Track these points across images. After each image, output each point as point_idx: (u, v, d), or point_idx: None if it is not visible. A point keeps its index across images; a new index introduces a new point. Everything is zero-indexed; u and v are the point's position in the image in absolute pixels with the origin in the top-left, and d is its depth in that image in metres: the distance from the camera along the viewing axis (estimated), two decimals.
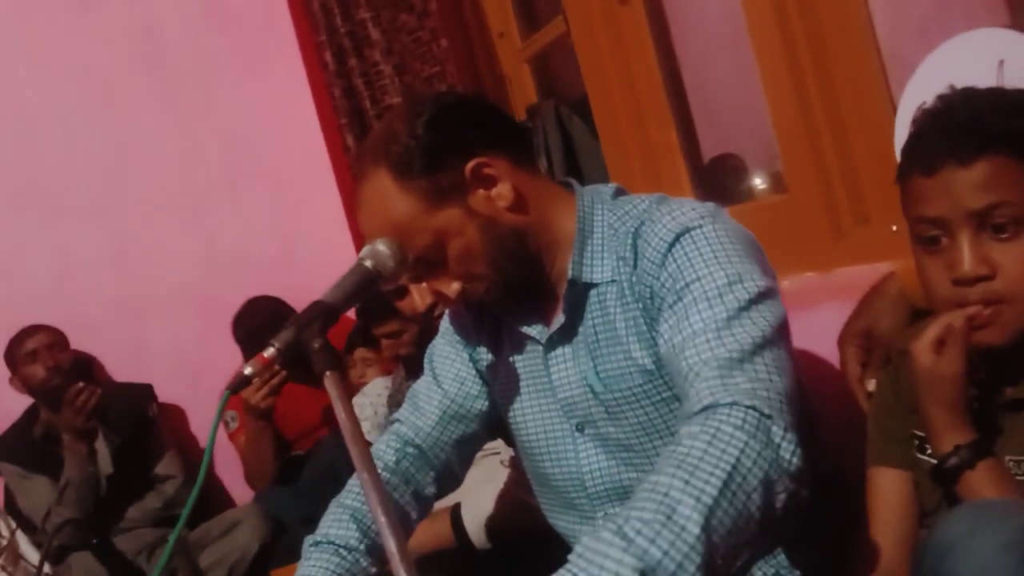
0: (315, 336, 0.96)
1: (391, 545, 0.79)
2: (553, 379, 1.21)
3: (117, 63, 3.03)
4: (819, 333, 1.30)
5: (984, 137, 0.93)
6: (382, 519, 0.81)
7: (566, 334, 1.19)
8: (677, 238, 1.07)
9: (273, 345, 0.96)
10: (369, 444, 1.02)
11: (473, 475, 1.66)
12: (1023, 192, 0.93)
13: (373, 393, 2.35)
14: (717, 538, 0.82)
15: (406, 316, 1.84)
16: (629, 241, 1.13)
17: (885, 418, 1.10)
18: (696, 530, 0.80)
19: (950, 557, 0.76)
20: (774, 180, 2.31)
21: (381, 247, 1.09)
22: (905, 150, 1.01)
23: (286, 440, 2.71)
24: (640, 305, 1.11)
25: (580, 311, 1.18)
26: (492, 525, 1.59)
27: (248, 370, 0.95)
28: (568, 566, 0.81)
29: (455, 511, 1.62)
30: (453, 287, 1.15)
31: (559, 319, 1.19)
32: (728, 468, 0.84)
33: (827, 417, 1.31)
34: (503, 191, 1.15)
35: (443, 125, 1.13)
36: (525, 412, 1.26)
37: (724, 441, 0.86)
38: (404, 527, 1.24)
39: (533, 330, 1.22)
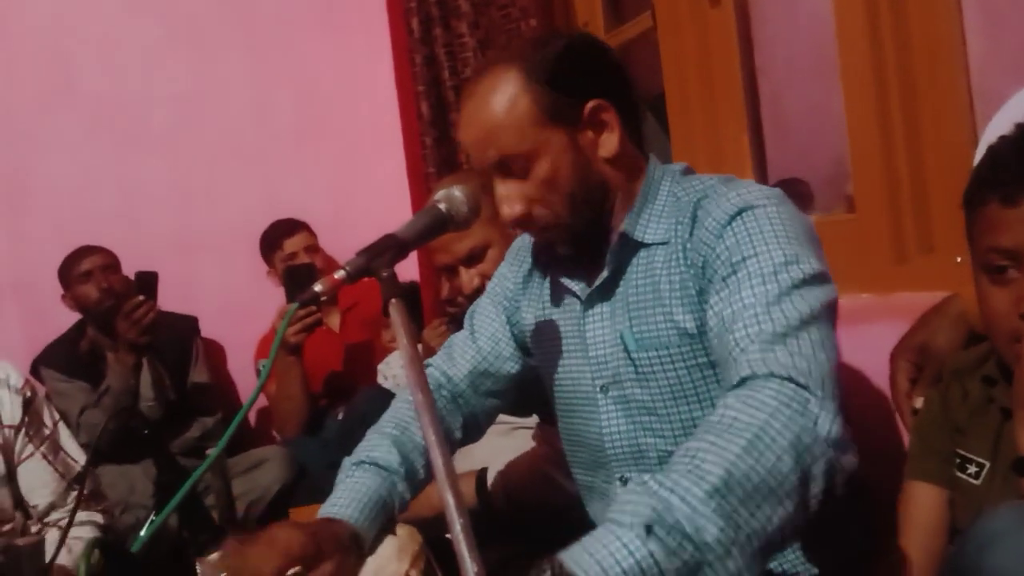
0: (384, 266, 1.01)
1: (439, 463, 0.81)
2: (587, 337, 1.23)
3: (204, 2, 3.10)
4: (870, 349, 1.30)
5: None
6: (432, 438, 0.84)
7: (607, 291, 1.21)
8: (739, 212, 1.09)
9: (345, 269, 1.01)
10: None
11: (504, 445, 1.68)
12: None
13: (396, 364, 2.36)
14: (740, 492, 0.82)
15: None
16: (690, 209, 1.15)
17: (930, 434, 1.10)
18: (714, 480, 0.81)
19: (991, 549, 0.77)
20: (838, 203, 2.29)
21: (457, 192, 1.13)
22: (981, 177, 1.00)
23: (313, 393, 2.75)
24: (691, 272, 1.13)
25: (624, 269, 1.20)
26: (517, 493, 1.61)
27: (319, 287, 0.99)
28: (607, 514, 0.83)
29: (481, 475, 1.64)
30: (516, 208, 1.16)
31: (603, 275, 1.21)
32: (756, 429, 0.86)
33: (864, 430, 1.31)
34: (610, 141, 1.18)
35: (583, 55, 1.18)
36: (558, 369, 1.29)
37: (754, 407, 0.88)
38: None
39: (576, 285, 1.24)
